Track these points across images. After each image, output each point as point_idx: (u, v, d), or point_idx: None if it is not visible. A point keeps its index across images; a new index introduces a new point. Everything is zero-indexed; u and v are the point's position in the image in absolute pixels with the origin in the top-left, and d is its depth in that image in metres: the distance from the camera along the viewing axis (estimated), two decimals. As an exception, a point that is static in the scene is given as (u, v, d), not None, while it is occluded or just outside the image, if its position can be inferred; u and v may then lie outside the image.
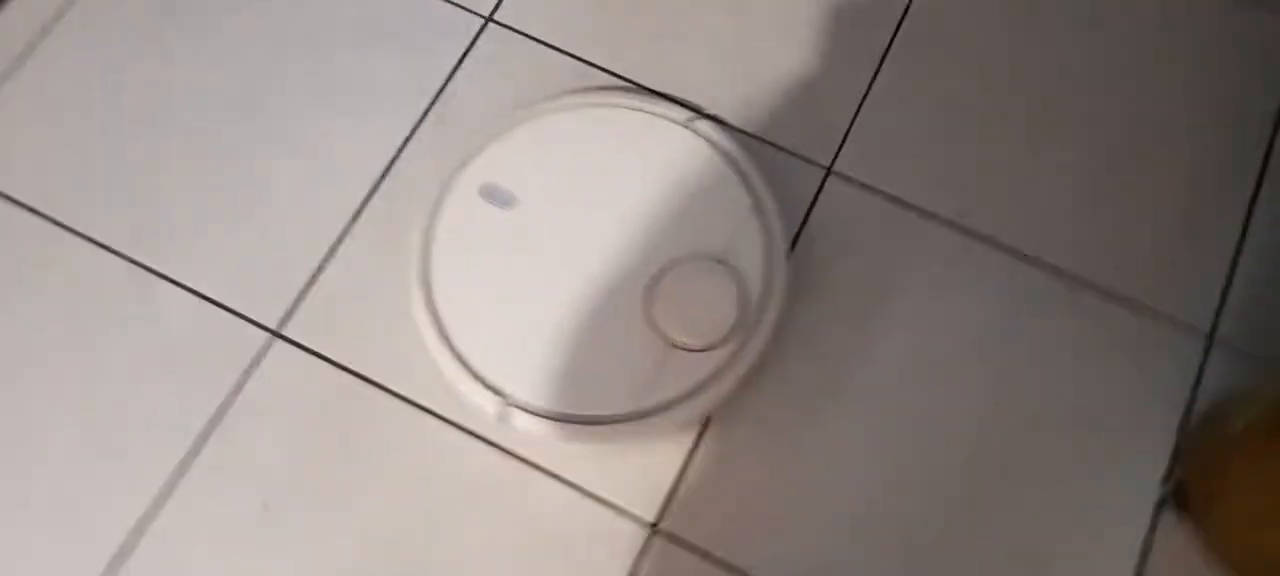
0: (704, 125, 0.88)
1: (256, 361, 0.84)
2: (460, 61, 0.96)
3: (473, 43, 0.97)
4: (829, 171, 0.91)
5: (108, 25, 0.98)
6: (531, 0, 0.99)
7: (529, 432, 0.78)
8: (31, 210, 0.90)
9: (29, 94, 0.95)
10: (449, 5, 0.99)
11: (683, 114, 0.89)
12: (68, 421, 0.83)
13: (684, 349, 0.79)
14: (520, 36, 0.97)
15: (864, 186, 0.91)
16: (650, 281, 0.81)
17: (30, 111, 0.95)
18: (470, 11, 0.98)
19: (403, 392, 0.83)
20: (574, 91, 0.93)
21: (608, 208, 0.84)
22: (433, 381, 0.82)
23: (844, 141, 0.92)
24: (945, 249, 0.89)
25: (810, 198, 0.90)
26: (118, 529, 0.79)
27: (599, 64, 0.95)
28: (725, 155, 0.86)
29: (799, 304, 0.86)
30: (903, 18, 0.98)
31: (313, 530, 0.79)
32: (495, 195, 0.84)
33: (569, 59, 0.96)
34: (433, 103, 0.94)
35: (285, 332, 0.85)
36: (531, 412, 0.78)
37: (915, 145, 0.92)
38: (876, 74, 0.95)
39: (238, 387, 0.83)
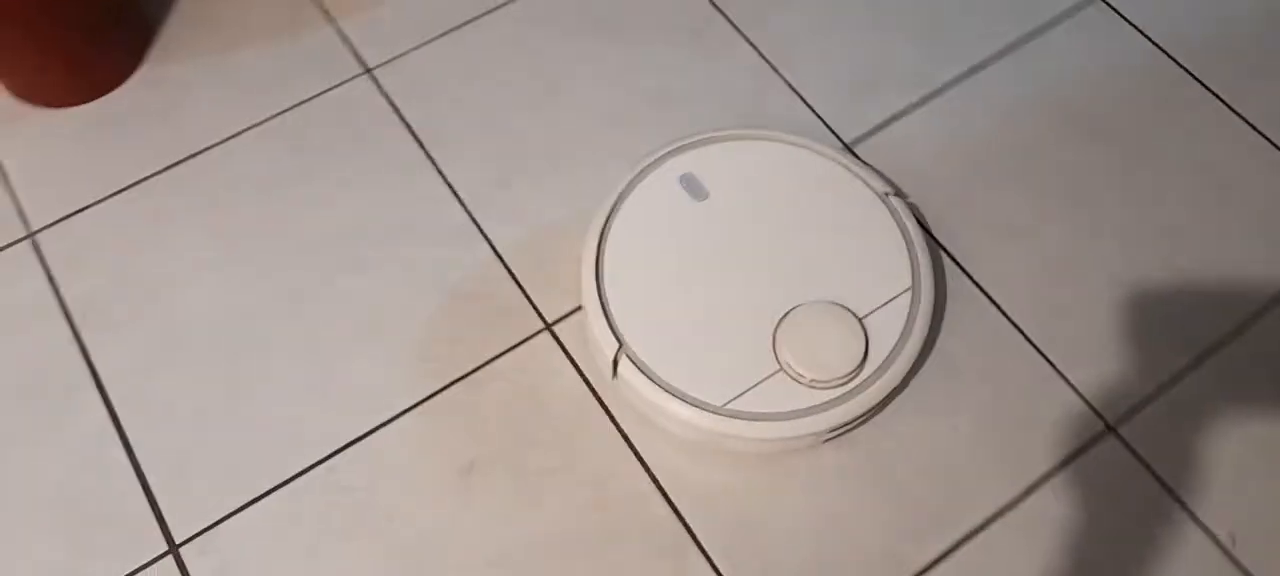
0: (897, 203, 0.92)
1: (520, 343, 0.91)
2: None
3: (846, 147, 1.00)
4: (1111, 429, 0.87)
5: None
6: (909, 146, 1.03)
7: (629, 384, 0.84)
8: (415, 136, 1.02)
9: (468, 47, 1.08)
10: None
11: (883, 186, 0.93)
12: (342, 310, 0.93)
13: (790, 376, 0.83)
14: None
15: (1133, 453, 0.86)
16: (789, 308, 0.86)
17: (458, 61, 1.07)
18: (834, 130, 1.04)
19: (626, 427, 0.87)
20: (792, 130, 0.98)
21: (781, 232, 0.92)
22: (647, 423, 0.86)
23: (1133, 402, 0.88)
24: (1197, 557, 0.82)
25: (1079, 442, 0.86)
26: (346, 428, 0.87)
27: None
28: (905, 236, 0.91)
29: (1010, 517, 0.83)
30: (1239, 332, 0.93)
31: (503, 504, 0.84)
32: (692, 185, 0.92)
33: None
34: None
35: (556, 329, 0.92)
36: (639, 368, 0.84)
37: (1204, 449, 0.86)
38: (1196, 364, 0.91)
39: (504, 358, 0.90)
